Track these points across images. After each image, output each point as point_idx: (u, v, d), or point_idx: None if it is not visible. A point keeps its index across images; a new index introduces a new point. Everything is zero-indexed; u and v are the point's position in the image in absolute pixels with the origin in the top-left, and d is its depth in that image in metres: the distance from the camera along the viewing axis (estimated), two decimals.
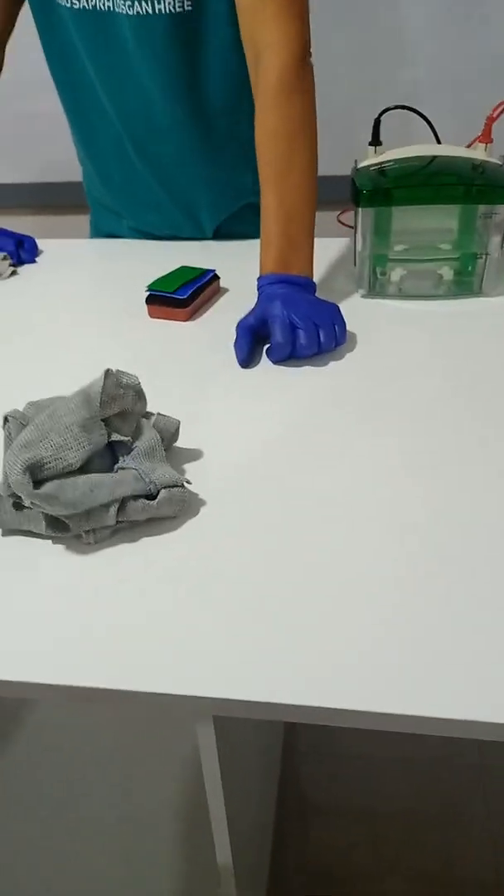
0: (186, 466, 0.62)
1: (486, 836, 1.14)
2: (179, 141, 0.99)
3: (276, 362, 0.78)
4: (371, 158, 0.89)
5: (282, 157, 0.82)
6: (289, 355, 0.77)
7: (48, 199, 1.73)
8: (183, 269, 0.93)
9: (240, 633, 0.47)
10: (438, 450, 0.62)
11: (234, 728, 0.61)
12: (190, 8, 0.88)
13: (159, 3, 0.87)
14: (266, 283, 0.82)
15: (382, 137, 0.91)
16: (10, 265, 1.05)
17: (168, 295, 0.88)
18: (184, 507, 0.56)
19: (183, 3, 0.87)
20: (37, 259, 1.10)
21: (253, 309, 0.81)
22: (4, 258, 1.04)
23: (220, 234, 1.10)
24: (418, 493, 0.58)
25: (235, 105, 0.96)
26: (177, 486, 0.56)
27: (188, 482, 0.57)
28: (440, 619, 0.47)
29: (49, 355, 0.83)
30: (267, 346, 0.79)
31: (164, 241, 1.12)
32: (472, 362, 0.76)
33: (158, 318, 0.89)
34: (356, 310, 0.88)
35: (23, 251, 1.08)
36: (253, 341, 0.79)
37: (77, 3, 0.89)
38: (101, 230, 1.19)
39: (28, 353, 0.84)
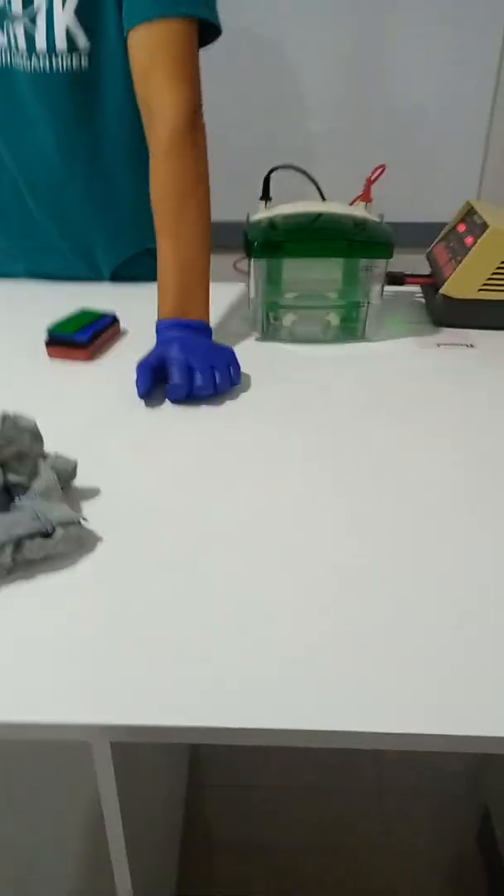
0: (84, 504, 0.64)
1: (383, 864, 1.18)
2: (78, 191, 1.03)
3: (174, 402, 0.82)
4: (262, 212, 0.96)
5: (175, 210, 0.87)
6: (186, 395, 0.81)
7: None
8: (83, 312, 0.96)
9: (134, 661, 0.49)
10: (329, 481, 0.67)
11: (133, 757, 0.63)
12: (86, 66, 0.92)
13: (56, 59, 0.91)
14: (164, 327, 0.86)
15: (274, 189, 0.99)
16: None
17: (68, 336, 0.90)
18: (81, 543, 0.58)
19: (80, 60, 0.92)
20: None
21: (152, 350, 0.85)
22: None
23: (117, 276, 1.14)
24: (312, 522, 0.62)
25: (134, 157, 1.00)
26: (73, 523, 0.58)
27: (84, 519, 0.59)
28: (333, 636, 0.51)
29: None
30: (166, 386, 0.83)
31: (62, 282, 1.14)
32: (356, 400, 0.82)
33: (59, 358, 0.91)
34: (251, 352, 0.94)
35: None
36: (152, 378, 0.82)
37: None
38: None
39: None
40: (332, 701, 0.46)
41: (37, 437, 0.62)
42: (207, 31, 0.90)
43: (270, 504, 0.65)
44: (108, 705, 0.46)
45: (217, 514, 0.63)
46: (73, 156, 0.99)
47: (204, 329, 0.88)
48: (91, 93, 0.94)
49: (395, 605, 0.54)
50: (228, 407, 0.81)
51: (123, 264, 1.13)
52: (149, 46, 0.87)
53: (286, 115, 1.64)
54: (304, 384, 0.86)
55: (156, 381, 0.83)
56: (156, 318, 0.88)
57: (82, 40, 0.91)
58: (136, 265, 1.13)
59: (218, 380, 0.82)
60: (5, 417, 0.59)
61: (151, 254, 0.92)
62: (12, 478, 0.59)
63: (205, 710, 0.46)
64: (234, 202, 1.73)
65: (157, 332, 0.87)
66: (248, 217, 0.97)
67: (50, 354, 0.91)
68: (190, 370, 0.81)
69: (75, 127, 0.96)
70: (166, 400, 0.82)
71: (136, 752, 0.68)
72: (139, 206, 1.03)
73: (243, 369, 0.87)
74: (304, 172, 0.97)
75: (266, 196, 0.97)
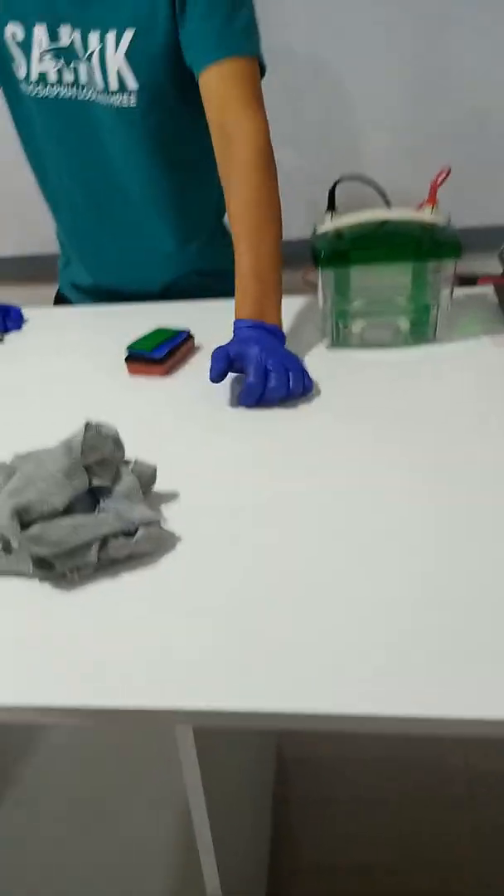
0: (163, 507, 0.67)
1: (476, 880, 1.14)
2: (132, 214, 1.13)
3: (247, 405, 0.84)
4: (328, 223, 0.98)
5: (256, 223, 0.94)
6: (260, 397, 0.83)
7: (29, 270, 1.83)
8: (159, 331, 1.00)
9: (213, 652, 0.51)
10: (408, 483, 0.68)
11: (218, 752, 0.64)
12: (134, 104, 1.02)
13: (110, 96, 1.01)
14: (244, 326, 0.90)
15: (340, 201, 1.00)
16: None
17: (146, 354, 0.94)
18: (161, 543, 0.61)
19: (129, 98, 1.02)
20: (23, 327, 1.17)
21: (230, 342, 0.88)
22: None
23: (169, 294, 1.21)
24: (391, 525, 0.63)
25: (177, 187, 1.11)
26: (154, 523, 0.60)
27: (165, 520, 0.62)
28: (414, 624, 0.51)
29: (36, 414, 0.88)
30: (240, 391, 0.85)
31: (139, 303, 1.20)
32: (429, 403, 0.82)
33: (138, 374, 0.96)
34: (322, 359, 0.95)
35: (9, 320, 1.15)
36: (226, 366, 0.85)
37: (43, 90, 1.04)
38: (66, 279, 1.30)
39: (16, 414, 0.89)
40: (421, 688, 0.47)
41: (118, 444, 0.66)
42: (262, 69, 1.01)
43: (345, 504, 0.65)
44: (189, 692, 0.48)
45: (292, 516, 0.65)
46: (125, 182, 1.09)
47: (279, 334, 0.91)
48: (133, 125, 1.04)
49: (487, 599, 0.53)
50: (302, 412, 0.83)
51: (172, 282, 1.21)
52: (223, 81, 0.96)
53: (347, 126, 1.66)
54: (377, 388, 0.87)
55: (227, 371, 0.86)
56: (228, 334, 0.90)
57: (131, 81, 1.00)
58: (183, 283, 1.20)
59: (291, 383, 0.84)
60: (88, 425, 0.63)
61: (199, 274, 1.05)
62: (96, 482, 0.62)
63: (286, 697, 0.47)
64: (303, 220, 1.76)
65: (235, 329, 0.91)
66: (314, 229, 0.99)
67: (130, 371, 0.96)
68: (266, 372, 0.83)
69: (131, 155, 1.06)
70: (240, 406, 0.84)
71: (221, 746, 0.69)
72: (187, 229, 1.14)
73: (315, 375, 0.89)
74: (369, 181, 0.98)
75: (332, 207, 0.99)
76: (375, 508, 0.64)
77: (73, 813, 1.15)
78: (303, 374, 0.85)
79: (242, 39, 0.97)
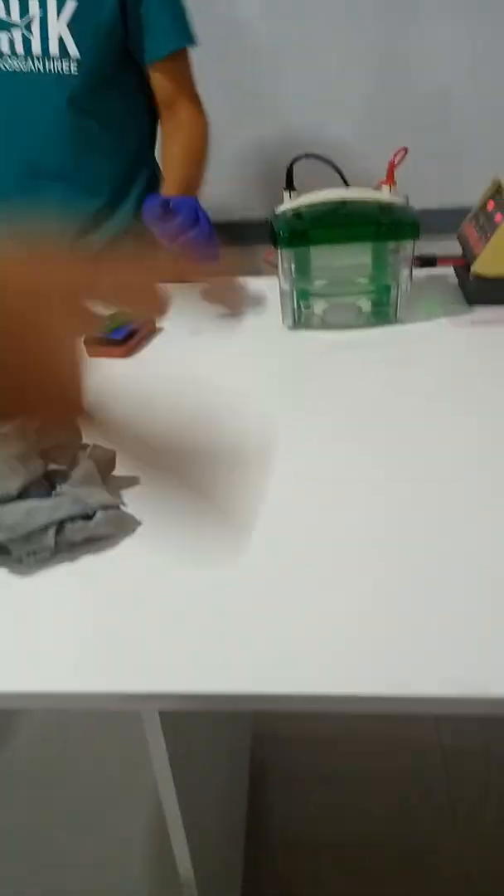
0: (125, 492, 0.67)
1: (451, 857, 1.17)
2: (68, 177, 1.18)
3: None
4: (287, 203, 0.97)
5: (188, 158, 1.17)
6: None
7: None
8: (119, 311, 0.99)
9: (176, 633, 0.51)
10: (370, 466, 0.68)
11: (187, 735, 0.65)
12: (76, 71, 1.06)
13: (49, 63, 1.05)
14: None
15: (298, 181, 0.99)
16: None
17: (105, 336, 0.93)
18: (121, 526, 0.60)
19: (69, 66, 1.06)
20: None
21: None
22: None
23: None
24: (353, 505, 0.63)
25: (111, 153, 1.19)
26: (113, 506, 0.60)
27: (124, 503, 0.62)
28: (379, 602, 0.51)
29: None
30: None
31: None
32: (392, 383, 0.82)
33: (96, 356, 0.94)
34: (284, 340, 0.95)
35: None
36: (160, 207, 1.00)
37: None
38: None
39: None
40: (388, 666, 0.47)
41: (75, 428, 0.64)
42: None
43: (306, 487, 0.66)
44: (152, 676, 0.48)
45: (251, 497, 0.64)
46: (59, 146, 1.13)
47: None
48: (72, 94, 1.09)
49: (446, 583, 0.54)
50: (263, 392, 0.83)
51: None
52: (173, 75, 1.13)
53: (306, 106, 1.65)
54: (340, 369, 0.87)
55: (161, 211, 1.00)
56: (190, 313, 0.90)
57: (73, 49, 1.05)
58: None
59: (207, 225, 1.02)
60: None
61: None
62: (53, 466, 0.61)
63: (249, 679, 0.47)
64: (262, 199, 1.74)
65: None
66: (273, 209, 0.98)
67: (88, 353, 0.94)
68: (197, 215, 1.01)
69: (64, 121, 1.11)
70: (204, 391, 0.84)
71: (190, 730, 0.69)
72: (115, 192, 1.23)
73: (276, 357, 0.89)
74: (326, 160, 0.97)
75: (290, 187, 0.98)
76: (337, 491, 0.65)
77: (40, 800, 1.14)
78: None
79: (186, 30, 1.11)
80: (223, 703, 0.48)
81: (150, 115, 1.23)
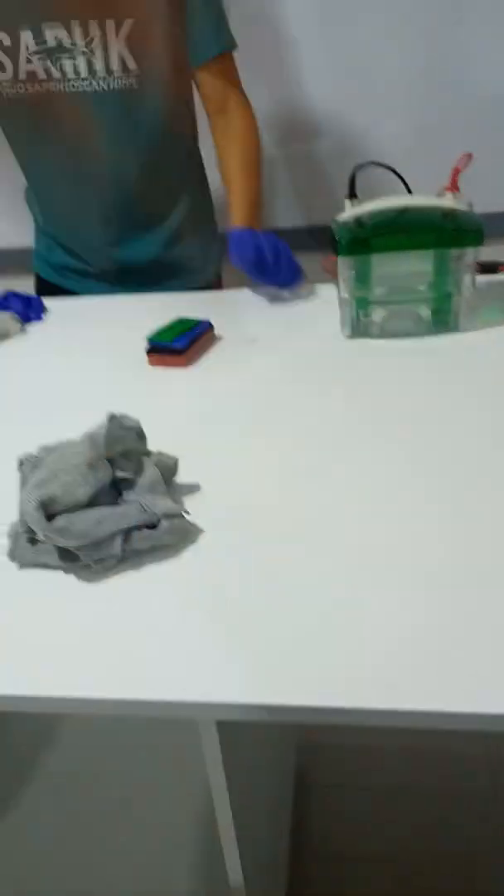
0: (186, 499, 0.67)
1: (499, 875, 1.14)
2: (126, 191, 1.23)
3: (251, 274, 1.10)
4: (349, 211, 0.97)
5: (246, 170, 1.19)
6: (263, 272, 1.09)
7: None
8: (180, 321, 1.00)
9: (237, 644, 0.51)
10: (435, 474, 0.67)
11: (240, 743, 0.65)
12: (136, 85, 1.12)
13: (111, 80, 1.11)
14: (237, 229, 1.13)
15: (361, 188, 0.99)
16: (19, 323, 1.12)
17: (167, 345, 0.94)
18: (185, 535, 0.61)
19: (130, 80, 1.11)
20: (43, 317, 1.17)
21: (231, 246, 1.11)
22: (13, 318, 1.12)
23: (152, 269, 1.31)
24: (415, 516, 0.62)
25: (167, 154, 1.22)
26: (177, 515, 0.61)
27: (187, 512, 0.62)
28: (441, 620, 0.51)
29: (58, 405, 0.89)
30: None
31: (159, 294, 1.20)
32: (453, 393, 0.81)
33: (158, 366, 0.96)
34: (342, 349, 0.95)
35: (31, 310, 1.16)
36: (253, 253, 1.08)
37: (31, 88, 1.11)
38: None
39: (38, 404, 0.90)
40: (442, 683, 0.47)
41: (141, 435, 0.66)
42: None
43: (371, 496, 0.65)
44: (212, 686, 0.48)
45: (315, 508, 0.64)
46: (115, 164, 1.18)
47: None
48: (136, 106, 1.14)
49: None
50: (324, 402, 0.82)
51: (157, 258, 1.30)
52: (222, 74, 1.17)
53: (366, 113, 1.64)
54: (399, 377, 0.86)
55: (255, 258, 1.08)
56: (247, 323, 0.91)
57: (132, 63, 1.10)
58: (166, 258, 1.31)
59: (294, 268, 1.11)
60: (112, 417, 0.63)
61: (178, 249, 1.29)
62: (119, 474, 0.63)
63: (307, 692, 0.47)
64: (321, 206, 1.74)
65: (231, 232, 1.13)
66: (334, 217, 0.98)
67: (150, 362, 0.96)
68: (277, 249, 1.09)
69: (125, 136, 1.16)
70: (263, 400, 0.84)
71: (243, 738, 0.70)
72: (166, 205, 1.27)
73: (334, 366, 0.89)
74: (389, 168, 0.97)
75: (352, 195, 0.98)
76: (401, 500, 0.64)
77: (94, 803, 1.16)
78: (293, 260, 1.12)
79: (229, 33, 1.16)
80: (284, 714, 0.48)
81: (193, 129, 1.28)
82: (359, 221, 0.94)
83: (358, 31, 1.55)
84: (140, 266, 1.28)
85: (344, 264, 0.94)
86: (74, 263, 1.31)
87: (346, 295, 0.95)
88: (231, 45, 1.17)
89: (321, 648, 0.50)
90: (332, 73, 1.58)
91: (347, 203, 0.98)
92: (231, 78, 1.19)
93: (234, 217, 1.16)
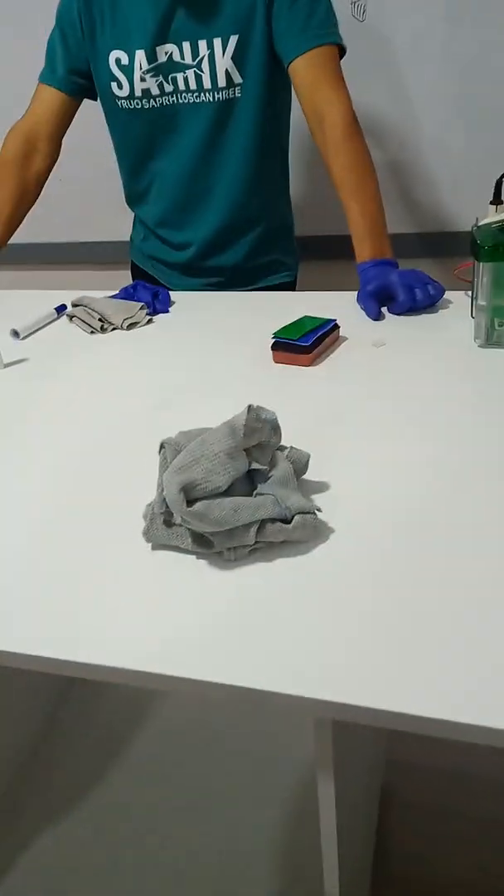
0: (315, 497, 0.67)
1: None
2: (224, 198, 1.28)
3: (399, 314, 1.06)
4: (492, 216, 0.94)
5: (357, 181, 1.12)
6: (410, 308, 1.05)
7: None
8: (305, 319, 1.00)
9: (360, 645, 0.50)
10: None
11: (346, 746, 0.64)
12: (239, 95, 1.18)
13: (218, 93, 1.17)
14: (370, 266, 1.10)
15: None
16: (147, 315, 1.15)
17: (293, 341, 0.94)
18: (316, 532, 0.61)
19: (235, 92, 1.18)
20: (170, 309, 1.20)
21: (365, 284, 1.09)
22: (142, 308, 1.15)
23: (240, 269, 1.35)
24: None
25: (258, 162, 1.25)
26: (309, 513, 0.60)
27: (319, 510, 0.62)
28: None
29: (188, 393, 0.90)
30: (392, 304, 1.07)
31: (283, 291, 1.21)
32: None
33: (282, 363, 0.96)
34: (474, 358, 0.92)
35: (157, 302, 1.18)
36: (377, 303, 1.07)
37: (146, 103, 1.21)
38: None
39: (168, 391, 0.91)
40: None
41: (276, 429, 0.66)
42: (342, 51, 1.17)
43: (496, 511, 0.63)
44: (333, 684, 0.48)
45: (447, 513, 0.62)
46: (221, 167, 1.23)
47: (397, 265, 1.11)
48: (238, 114, 1.20)
49: None
50: (455, 410, 0.80)
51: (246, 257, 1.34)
52: (310, 69, 1.13)
53: (499, 115, 1.58)
54: None
55: (380, 307, 1.07)
56: (373, 325, 0.90)
57: (237, 77, 1.17)
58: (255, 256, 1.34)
59: (432, 292, 1.06)
60: (250, 408, 0.63)
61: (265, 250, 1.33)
62: (254, 465, 0.63)
63: (426, 701, 0.46)
64: (454, 212, 1.70)
65: (362, 270, 1.10)
66: (476, 221, 0.95)
67: (275, 359, 0.96)
68: (410, 289, 1.05)
69: (220, 143, 1.22)
70: (391, 405, 0.83)
71: (349, 743, 0.68)
72: (263, 206, 1.30)
73: (466, 375, 0.86)
74: None
75: (497, 200, 0.95)
76: None
77: (192, 792, 1.18)
78: (435, 284, 1.08)
79: (322, 30, 1.13)
80: (401, 722, 0.46)
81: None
82: (502, 227, 0.91)
83: (492, 29, 1.50)
84: (224, 267, 1.33)
85: (483, 270, 0.91)
86: (164, 255, 1.37)
87: (482, 302, 0.92)
88: (321, 40, 1.12)
89: (450, 661, 0.48)
90: (458, 73, 1.54)
91: (491, 208, 0.95)
92: (322, 75, 1.13)
93: (359, 249, 1.11)
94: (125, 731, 1.30)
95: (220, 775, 1.20)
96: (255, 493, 0.62)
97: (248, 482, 0.63)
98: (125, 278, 1.44)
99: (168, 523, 0.60)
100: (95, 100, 1.27)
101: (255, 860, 1.06)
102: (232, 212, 1.28)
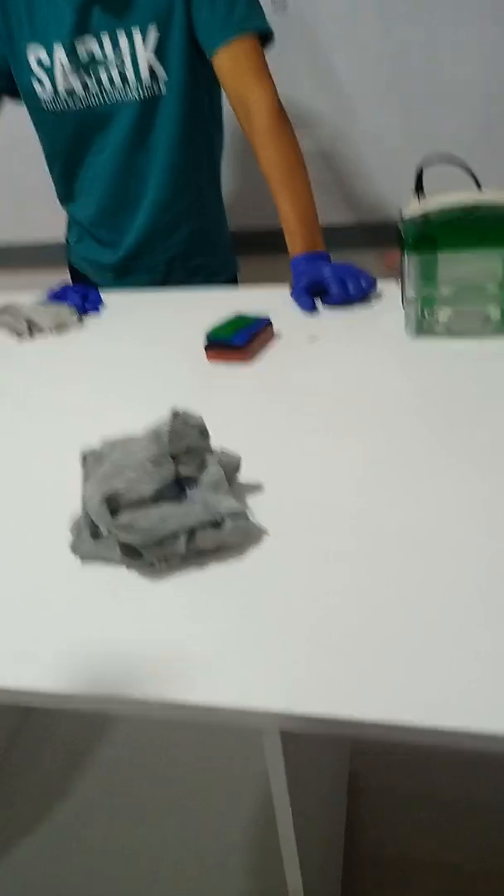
0: (249, 499, 0.66)
1: None
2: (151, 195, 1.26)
3: (333, 305, 1.07)
4: (415, 207, 0.94)
5: (287, 174, 1.11)
6: (343, 301, 1.06)
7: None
8: (238, 318, 0.99)
9: (302, 651, 0.49)
10: (495, 488, 0.65)
11: (300, 751, 0.63)
12: (164, 91, 1.16)
13: (142, 89, 1.15)
14: (302, 260, 1.10)
15: (427, 183, 0.96)
16: (77, 317, 1.12)
17: (226, 340, 0.93)
18: (248, 536, 0.60)
19: (159, 87, 1.16)
20: (101, 310, 1.17)
21: (298, 280, 1.08)
22: (71, 310, 1.12)
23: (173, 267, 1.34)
24: (494, 523, 0.60)
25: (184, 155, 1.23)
26: (241, 515, 0.59)
27: (251, 512, 0.61)
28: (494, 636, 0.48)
29: (117, 398, 0.88)
30: (326, 297, 1.07)
31: (215, 288, 1.19)
32: None
33: (217, 361, 0.94)
34: (405, 349, 0.92)
35: (87, 303, 1.16)
36: (311, 297, 1.07)
37: (71, 103, 1.18)
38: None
39: (97, 397, 0.89)
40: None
41: (204, 433, 0.64)
42: (267, 38, 1.15)
43: (434, 503, 0.63)
44: (277, 693, 0.47)
45: (380, 510, 0.62)
46: (148, 164, 1.21)
47: (329, 258, 1.11)
48: (164, 111, 1.18)
49: None
50: (387, 403, 0.80)
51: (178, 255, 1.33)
52: (233, 60, 1.11)
53: (433, 104, 1.60)
54: (465, 380, 0.83)
55: (314, 301, 1.07)
56: (307, 322, 0.90)
57: (161, 71, 1.14)
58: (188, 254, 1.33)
59: (364, 284, 1.07)
60: (175, 414, 0.62)
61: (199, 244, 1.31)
62: (183, 471, 0.61)
63: (373, 704, 0.45)
64: (380, 202, 1.71)
65: (294, 265, 1.10)
66: (400, 212, 0.95)
67: (209, 358, 0.95)
68: (342, 282, 1.05)
69: (147, 140, 1.20)
70: (327, 399, 0.82)
71: (304, 745, 0.68)
72: (193, 202, 1.28)
73: (397, 367, 0.86)
74: (459, 163, 0.94)
75: (419, 190, 0.95)
76: (471, 506, 0.62)
77: (147, 800, 1.16)
78: (367, 277, 1.08)
79: (244, 20, 1.11)
80: (347, 728, 0.46)
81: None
82: (426, 218, 0.91)
83: (423, 19, 1.51)
84: (157, 266, 1.32)
85: (410, 262, 0.91)
86: (98, 256, 1.35)
87: (411, 294, 0.92)
88: (243, 30, 1.10)
89: (390, 659, 0.48)
90: (391, 63, 1.55)
91: (414, 198, 0.95)
92: (246, 66, 1.10)
93: (291, 243, 1.12)
94: (88, 744, 1.28)
95: (185, 779, 1.18)
96: (184, 499, 0.60)
97: (178, 489, 0.62)
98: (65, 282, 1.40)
99: (95, 535, 0.59)
100: (19, 98, 1.23)
101: (227, 859, 1.05)
102: (161, 209, 1.26)
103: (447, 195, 0.93)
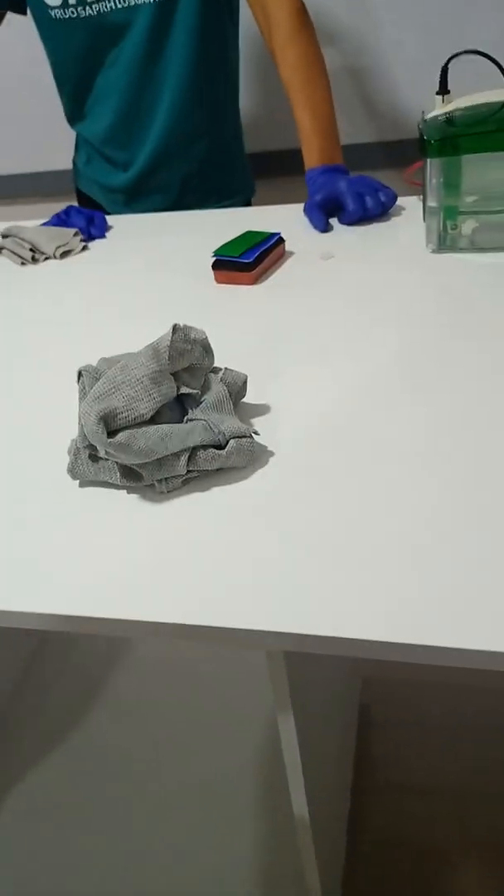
0: (254, 420, 0.63)
1: None
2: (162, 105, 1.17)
3: (350, 224, 1.00)
4: (439, 108, 0.87)
5: (306, 80, 1.05)
6: (360, 218, 0.99)
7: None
8: (248, 234, 0.94)
9: (305, 572, 0.47)
10: None
11: (306, 670, 0.62)
12: None
13: None
14: (318, 173, 1.03)
15: (451, 86, 0.89)
16: (82, 241, 1.08)
17: (234, 259, 0.88)
18: (252, 457, 0.57)
19: None
20: (106, 234, 1.12)
21: (314, 193, 1.01)
22: (76, 234, 1.07)
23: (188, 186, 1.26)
24: (494, 445, 0.56)
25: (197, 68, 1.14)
26: (245, 436, 0.56)
27: (256, 433, 0.58)
28: None
29: (119, 319, 0.85)
30: (342, 213, 1.00)
31: (226, 209, 1.14)
32: None
33: (225, 282, 0.90)
34: (427, 265, 0.86)
35: (93, 227, 1.11)
36: (324, 214, 1.00)
37: (82, 11, 1.09)
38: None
39: (102, 320, 0.86)
40: None
41: (207, 349, 0.61)
42: None
43: (450, 422, 0.59)
44: (282, 615, 0.45)
45: (390, 432, 0.59)
46: (162, 76, 1.13)
47: (347, 171, 1.04)
48: (181, 13, 1.09)
49: None
50: (404, 321, 0.75)
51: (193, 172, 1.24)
52: None
53: (457, 12, 1.47)
54: (491, 296, 0.78)
55: (328, 218, 1.01)
56: (321, 237, 0.86)
57: None
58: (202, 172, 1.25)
59: (383, 199, 0.99)
60: (176, 328, 0.58)
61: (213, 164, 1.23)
62: (184, 390, 0.58)
63: (379, 625, 0.43)
64: (415, 118, 1.60)
65: (309, 179, 1.04)
66: (422, 114, 0.88)
67: (217, 279, 0.90)
68: (360, 196, 0.98)
69: (162, 49, 1.11)
70: (340, 319, 0.78)
71: (310, 668, 0.67)
72: (208, 117, 1.20)
73: (417, 283, 0.81)
74: (488, 57, 0.86)
75: (443, 90, 0.87)
76: (490, 426, 0.58)
77: (158, 730, 1.18)
78: (385, 191, 1.00)
79: None
80: (352, 648, 0.44)
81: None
82: (450, 120, 0.84)
83: None
84: (171, 186, 1.24)
85: (431, 168, 0.84)
86: (109, 178, 1.27)
87: (433, 203, 0.86)
88: None
89: (394, 580, 0.45)
90: None
91: (438, 99, 0.88)
92: None
93: (308, 155, 1.05)
94: (102, 672, 1.30)
95: (198, 706, 1.20)
96: (185, 418, 0.57)
97: (179, 408, 0.59)
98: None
99: (94, 458, 0.56)
100: (24, 13, 1.15)
101: (239, 787, 1.07)
102: (178, 119, 1.17)
103: (474, 95, 0.86)
